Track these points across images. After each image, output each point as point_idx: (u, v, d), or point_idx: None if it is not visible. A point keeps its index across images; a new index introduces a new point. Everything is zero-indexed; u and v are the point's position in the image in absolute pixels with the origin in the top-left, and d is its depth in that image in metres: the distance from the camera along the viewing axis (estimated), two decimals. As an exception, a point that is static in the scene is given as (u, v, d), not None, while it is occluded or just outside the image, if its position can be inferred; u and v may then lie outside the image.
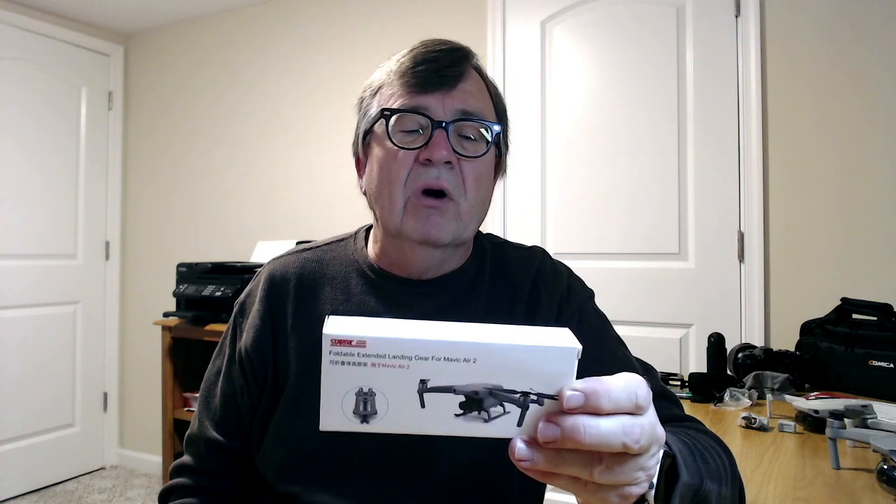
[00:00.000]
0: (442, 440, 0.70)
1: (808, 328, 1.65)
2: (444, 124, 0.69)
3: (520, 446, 0.37)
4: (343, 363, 0.36)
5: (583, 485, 0.38)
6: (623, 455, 0.37)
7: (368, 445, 0.71)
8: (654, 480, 0.43)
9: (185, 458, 0.81)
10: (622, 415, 0.37)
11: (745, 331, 1.98)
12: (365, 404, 0.37)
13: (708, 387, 1.44)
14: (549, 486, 0.81)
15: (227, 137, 3.10)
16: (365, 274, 0.78)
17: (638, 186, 2.16)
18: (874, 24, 1.84)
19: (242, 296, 0.83)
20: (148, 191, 3.36)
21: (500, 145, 0.77)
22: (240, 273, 2.42)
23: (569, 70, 2.30)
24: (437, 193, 0.70)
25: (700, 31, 2.08)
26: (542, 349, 0.36)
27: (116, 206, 3.40)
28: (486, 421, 0.37)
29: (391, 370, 0.36)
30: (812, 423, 1.16)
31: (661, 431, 0.40)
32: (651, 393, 0.39)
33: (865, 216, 1.83)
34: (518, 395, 0.37)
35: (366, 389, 0.37)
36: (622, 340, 0.79)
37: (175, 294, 2.51)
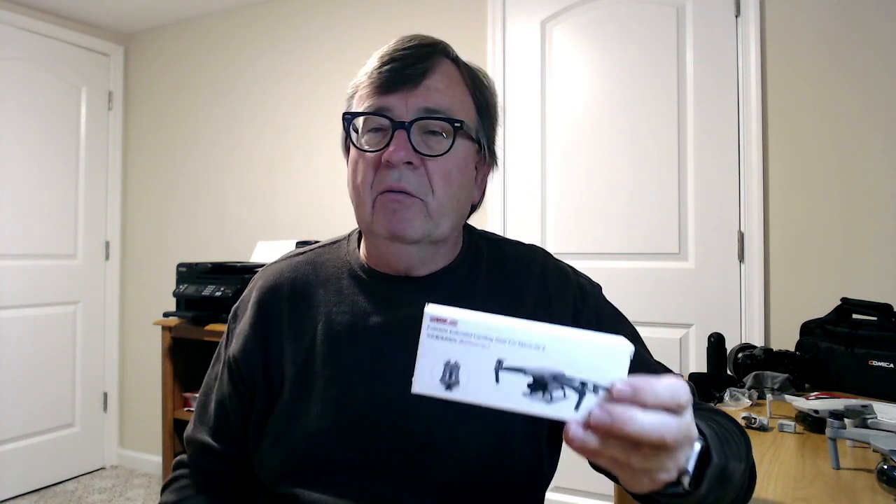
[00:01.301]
0: (441, 439, 0.71)
1: (808, 328, 1.65)
2: (404, 125, 0.69)
3: (575, 428, 0.42)
4: (438, 337, 0.44)
5: (620, 466, 0.43)
6: (659, 448, 0.42)
7: (367, 445, 0.71)
8: (690, 467, 0.48)
9: (184, 457, 0.83)
10: (663, 412, 0.42)
11: (745, 331, 1.98)
12: (451, 374, 0.44)
13: (708, 387, 1.43)
14: (550, 488, 0.82)
15: (227, 137, 3.10)
16: (356, 274, 0.78)
17: (638, 186, 2.16)
18: (874, 24, 1.84)
19: (238, 303, 0.85)
20: (148, 191, 3.36)
21: (477, 138, 0.75)
22: (240, 273, 2.42)
23: (569, 70, 2.30)
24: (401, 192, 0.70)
25: (700, 31, 2.08)
26: (602, 347, 0.43)
27: (116, 206, 3.40)
28: (548, 403, 0.43)
29: (475, 348, 0.44)
30: (812, 423, 1.16)
31: (694, 431, 0.45)
32: (691, 396, 0.44)
33: (865, 216, 1.83)
34: (577, 383, 0.43)
35: (452, 362, 0.44)
36: (637, 334, 0.79)
37: (175, 294, 2.50)
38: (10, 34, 2.95)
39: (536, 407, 0.43)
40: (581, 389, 0.43)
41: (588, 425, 0.42)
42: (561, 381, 0.43)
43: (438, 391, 0.44)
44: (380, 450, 0.71)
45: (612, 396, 0.42)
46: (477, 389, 0.44)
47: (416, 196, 0.69)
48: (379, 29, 2.69)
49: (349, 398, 0.72)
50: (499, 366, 0.44)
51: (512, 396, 0.43)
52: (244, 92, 3.06)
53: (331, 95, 2.79)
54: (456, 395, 0.44)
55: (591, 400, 0.43)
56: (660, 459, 0.43)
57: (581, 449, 0.43)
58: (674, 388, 0.42)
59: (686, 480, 0.48)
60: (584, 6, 2.28)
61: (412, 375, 0.71)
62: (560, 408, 0.43)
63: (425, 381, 0.45)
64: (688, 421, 0.43)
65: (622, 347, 0.43)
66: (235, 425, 0.78)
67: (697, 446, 0.49)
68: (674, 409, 0.42)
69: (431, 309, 0.44)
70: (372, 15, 2.71)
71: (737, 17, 2.02)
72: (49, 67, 3.11)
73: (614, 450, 0.42)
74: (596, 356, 0.43)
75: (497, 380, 0.44)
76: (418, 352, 0.44)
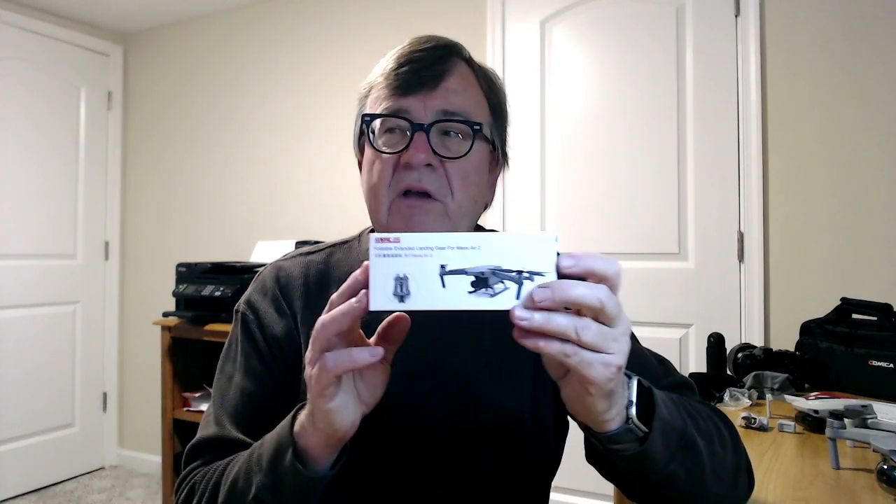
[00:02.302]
0: (450, 431, 0.72)
1: (807, 328, 1.65)
2: (423, 126, 0.69)
3: (519, 309, 0.46)
4: (385, 255, 0.48)
5: (571, 347, 0.46)
6: (599, 315, 0.46)
7: (381, 443, 0.71)
8: (633, 398, 0.53)
9: (199, 462, 0.74)
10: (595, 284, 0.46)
11: (745, 331, 1.98)
12: (401, 287, 0.47)
13: (708, 387, 1.43)
14: (554, 488, 0.82)
15: (227, 137, 3.10)
16: None
17: (638, 186, 2.16)
18: (874, 25, 1.84)
19: (247, 299, 0.80)
20: (148, 191, 3.36)
21: (491, 139, 0.75)
22: (240, 273, 2.42)
23: (569, 70, 2.30)
24: (421, 194, 0.70)
25: (700, 31, 2.08)
26: (529, 236, 0.48)
27: (116, 206, 3.40)
28: (491, 296, 0.47)
29: (419, 258, 0.48)
30: (812, 423, 1.16)
31: (626, 318, 0.49)
32: (620, 274, 0.48)
33: (865, 216, 1.83)
34: (514, 274, 0.47)
35: (402, 275, 0.47)
36: (633, 333, 0.80)
37: (175, 294, 2.50)
38: (9, 34, 2.95)
39: (482, 302, 0.47)
40: (518, 279, 0.47)
41: (531, 308, 0.46)
42: (499, 274, 0.47)
43: (393, 305, 0.47)
44: (394, 441, 0.72)
45: (560, 271, 0.47)
46: (427, 296, 0.47)
47: (437, 199, 0.70)
48: (379, 29, 2.69)
49: None
50: (443, 270, 0.47)
51: (459, 297, 0.47)
52: (244, 92, 3.05)
53: (331, 96, 2.79)
54: (409, 305, 0.47)
55: (529, 287, 0.47)
56: (602, 333, 0.46)
57: (529, 332, 0.45)
58: (606, 260, 0.48)
59: (633, 410, 0.52)
60: (583, 6, 2.28)
61: (426, 367, 0.72)
62: (503, 299, 0.47)
63: (379, 298, 0.47)
64: (619, 301, 0.47)
65: (548, 235, 0.48)
66: (271, 417, 0.69)
67: (634, 382, 0.54)
68: (607, 279, 0.47)
69: (376, 234, 0.49)
70: (372, 15, 2.71)
71: (737, 17, 2.02)
72: (49, 67, 3.11)
73: (560, 321, 0.45)
74: (526, 246, 0.48)
75: (443, 284, 0.47)
76: (370, 273, 0.48)
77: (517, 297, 0.47)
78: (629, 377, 0.54)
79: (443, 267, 0.47)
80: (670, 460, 0.55)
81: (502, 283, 0.47)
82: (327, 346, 0.51)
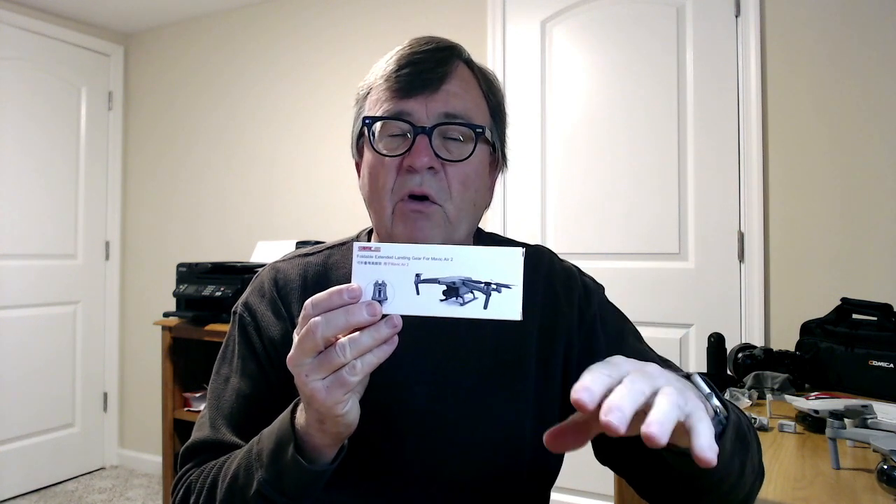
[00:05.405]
0: (454, 440, 0.73)
1: (808, 328, 1.65)
2: (425, 129, 0.68)
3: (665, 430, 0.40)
4: (366, 263, 0.52)
5: (676, 411, 0.41)
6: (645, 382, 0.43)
7: (382, 447, 0.71)
8: (706, 391, 0.51)
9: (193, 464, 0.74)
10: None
11: (745, 331, 1.98)
12: (380, 292, 0.52)
13: (708, 387, 1.43)
14: (554, 488, 0.82)
15: (228, 137, 3.10)
16: None
17: (638, 186, 2.16)
18: (874, 24, 1.84)
19: (244, 300, 0.80)
20: (148, 191, 3.36)
21: (492, 142, 0.75)
22: (240, 273, 2.42)
23: (569, 70, 2.30)
24: (422, 197, 0.70)
25: (700, 31, 2.08)
26: (497, 250, 0.52)
27: (116, 206, 3.40)
28: (461, 305, 0.51)
29: (396, 267, 0.52)
30: (812, 423, 1.16)
31: (660, 373, 0.45)
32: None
33: (865, 216, 1.83)
34: (482, 285, 0.51)
35: (380, 281, 0.52)
36: (639, 333, 0.81)
37: (175, 294, 2.50)
38: (9, 34, 2.95)
39: (452, 310, 0.51)
40: (486, 290, 0.51)
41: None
42: (469, 284, 0.51)
43: None
44: (395, 450, 0.71)
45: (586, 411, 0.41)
46: (402, 302, 0.51)
47: (437, 202, 0.69)
48: (379, 29, 2.69)
49: (364, 401, 0.72)
50: (417, 279, 0.52)
51: (431, 304, 0.51)
52: (244, 92, 3.06)
53: (331, 95, 2.79)
54: (386, 309, 0.51)
55: (496, 298, 0.51)
56: (666, 394, 0.42)
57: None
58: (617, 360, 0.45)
59: (715, 401, 0.51)
60: (584, 6, 2.28)
61: (426, 376, 0.73)
62: (472, 308, 0.51)
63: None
64: (643, 367, 0.45)
65: (515, 250, 0.52)
66: (267, 420, 0.69)
67: (699, 379, 0.52)
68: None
69: (358, 243, 0.53)
70: (372, 15, 2.71)
71: (737, 17, 2.03)
72: (49, 67, 3.11)
73: (634, 395, 0.42)
74: (494, 260, 0.51)
75: (417, 291, 0.51)
76: (352, 277, 0.52)
77: (485, 307, 0.51)
78: (689, 376, 0.53)
79: (417, 275, 0.51)
80: (734, 453, 0.54)
81: (472, 293, 0.51)
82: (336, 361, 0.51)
